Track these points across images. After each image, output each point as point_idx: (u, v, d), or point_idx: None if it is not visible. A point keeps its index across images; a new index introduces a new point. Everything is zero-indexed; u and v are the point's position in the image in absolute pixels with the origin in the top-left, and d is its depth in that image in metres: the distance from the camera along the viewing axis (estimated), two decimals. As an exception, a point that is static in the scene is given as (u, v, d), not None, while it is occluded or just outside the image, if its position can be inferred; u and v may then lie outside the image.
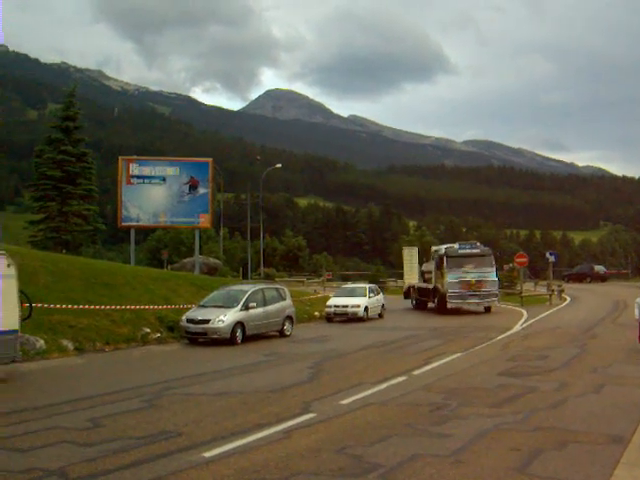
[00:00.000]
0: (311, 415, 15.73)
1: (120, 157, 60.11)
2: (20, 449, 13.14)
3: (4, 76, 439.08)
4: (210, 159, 60.18)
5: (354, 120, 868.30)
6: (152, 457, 12.50)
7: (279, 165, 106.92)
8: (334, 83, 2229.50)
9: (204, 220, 57.37)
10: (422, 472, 11.41)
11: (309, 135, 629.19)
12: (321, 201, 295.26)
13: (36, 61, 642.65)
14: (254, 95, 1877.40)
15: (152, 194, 56.27)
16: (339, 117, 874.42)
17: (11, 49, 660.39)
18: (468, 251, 48.46)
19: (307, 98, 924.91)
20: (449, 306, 47.45)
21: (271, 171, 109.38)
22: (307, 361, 24.74)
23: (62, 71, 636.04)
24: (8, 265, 20.97)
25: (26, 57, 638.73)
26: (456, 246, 49.65)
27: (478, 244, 50.69)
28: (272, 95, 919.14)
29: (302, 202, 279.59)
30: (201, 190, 56.29)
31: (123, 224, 57.73)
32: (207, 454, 12.57)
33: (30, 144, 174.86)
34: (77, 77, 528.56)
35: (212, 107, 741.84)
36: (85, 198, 67.72)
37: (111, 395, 18.35)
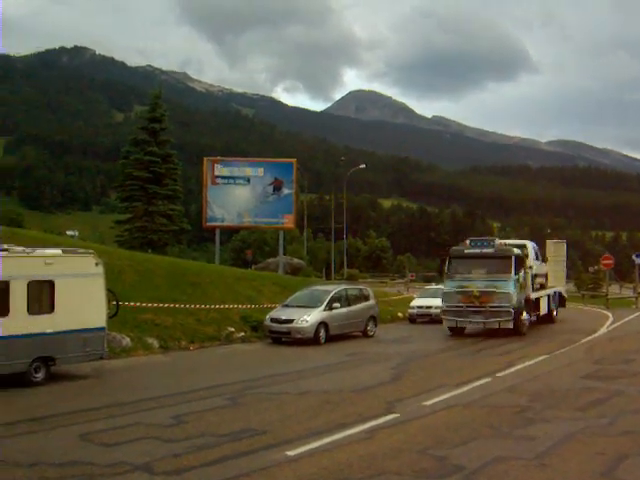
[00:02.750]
0: (394, 415, 15.70)
1: (205, 158, 60.74)
2: (106, 444, 13.36)
3: (91, 79, 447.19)
4: (294, 160, 60.45)
5: (437, 120, 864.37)
6: (236, 454, 12.58)
7: (363, 166, 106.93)
8: (416, 82, 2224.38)
9: (288, 220, 57.64)
10: (505, 475, 11.32)
11: (392, 136, 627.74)
12: (404, 202, 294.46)
13: (122, 64, 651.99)
14: (337, 95, 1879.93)
15: (236, 194, 56.72)
16: (422, 117, 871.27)
17: (98, 52, 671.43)
18: (477, 251, 34.55)
19: (390, 99, 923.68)
20: (445, 325, 34.99)
21: (355, 172, 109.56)
22: (390, 361, 24.67)
23: (147, 73, 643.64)
24: (96, 264, 21.37)
25: (112, 60, 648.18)
26: (467, 243, 35.75)
27: (497, 241, 35.52)
28: (355, 96, 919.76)
29: (386, 203, 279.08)
30: (285, 191, 56.56)
31: (208, 224, 58.31)
32: (291, 452, 12.61)
33: (116, 146, 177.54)
34: (162, 79, 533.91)
35: (295, 108, 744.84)
36: (170, 198, 68.33)
37: (195, 393, 18.53)
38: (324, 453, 12.64)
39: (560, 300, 43.23)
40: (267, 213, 56.98)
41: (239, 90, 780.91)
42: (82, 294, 20.78)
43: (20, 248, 20.60)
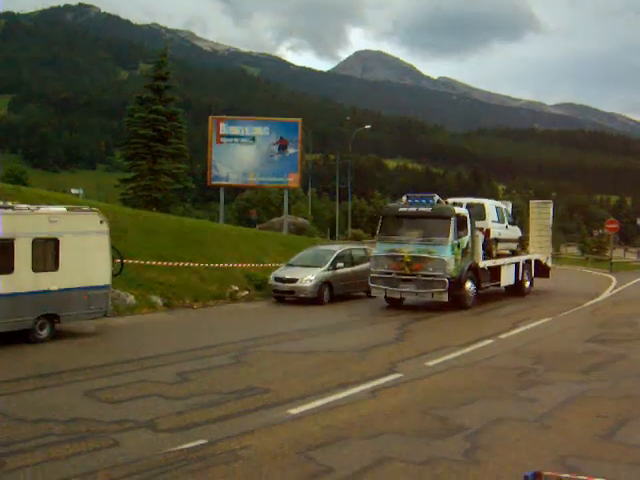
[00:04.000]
0: (397, 375, 15.80)
1: (210, 117, 60.55)
2: (111, 401, 13.47)
3: (97, 37, 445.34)
4: (299, 119, 60.25)
5: (444, 82, 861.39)
6: (239, 412, 12.70)
7: (368, 126, 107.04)
8: (423, 42, 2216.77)
9: (293, 180, 57.53)
10: (507, 436, 11.40)
11: (399, 97, 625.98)
12: (410, 163, 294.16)
13: (127, 22, 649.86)
14: (343, 54, 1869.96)
15: (242, 153, 56.59)
16: (429, 78, 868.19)
17: (103, 10, 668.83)
18: (413, 209, 29.04)
19: (397, 60, 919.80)
20: (373, 293, 30.12)
21: (360, 132, 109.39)
22: (393, 322, 24.78)
23: (153, 32, 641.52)
24: (101, 222, 21.39)
25: (118, 19, 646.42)
26: (404, 200, 30.16)
27: (436, 198, 29.35)
28: (362, 56, 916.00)
29: (391, 164, 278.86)
30: (290, 150, 56.42)
31: (213, 183, 58.22)
32: (293, 411, 12.72)
33: (121, 104, 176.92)
34: (167, 38, 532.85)
35: (301, 68, 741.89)
36: (175, 157, 68.08)
37: (199, 350, 18.63)
38: (327, 412, 12.73)
39: (540, 269, 37.41)
40: (272, 172, 56.84)
41: (245, 49, 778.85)
42: (86, 252, 20.83)
43: (24, 206, 20.66)
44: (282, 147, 56.18)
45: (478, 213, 31.33)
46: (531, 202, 41.39)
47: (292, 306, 29.59)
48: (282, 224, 60.78)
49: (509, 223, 34.45)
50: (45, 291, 19.70)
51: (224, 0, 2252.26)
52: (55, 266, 20.09)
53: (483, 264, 30.13)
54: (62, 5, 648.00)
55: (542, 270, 37.68)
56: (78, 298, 20.55)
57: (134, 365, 16.80)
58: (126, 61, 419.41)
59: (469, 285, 28.87)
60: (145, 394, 14.02)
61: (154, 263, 29.27)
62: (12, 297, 18.81)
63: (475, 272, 29.45)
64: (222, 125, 57.43)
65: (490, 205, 33.45)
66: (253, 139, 56.49)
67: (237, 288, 31.22)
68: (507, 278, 32.84)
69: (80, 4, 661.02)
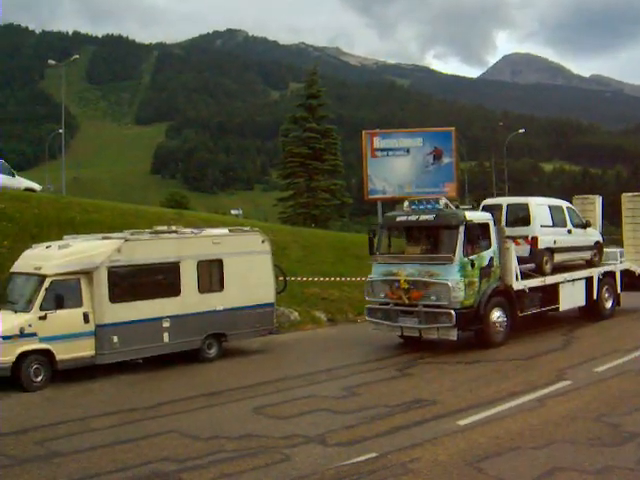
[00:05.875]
0: (565, 383, 15.54)
1: (363, 131, 60.75)
2: (280, 416, 13.69)
3: (246, 61, 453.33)
4: (453, 128, 59.90)
5: (596, 79, 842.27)
6: (408, 424, 12.72)
7: (522, 130, 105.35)
8: (570, 41, 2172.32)
9: (450, 189, 57.01)
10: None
11: (550, 98, 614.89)
12: (567, 165, 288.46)
13: (275, 43, 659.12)
14: (490, 59, 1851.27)
15: (397, 166, 56.49)
16: (580, 77, 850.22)
17: (251, 34, 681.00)
18: (413, 218, 22.11)
19: (546, 60, 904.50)
20: (372, 330, 22.85)
21: (514, 137, 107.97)
22: (559, 328, 24.19)
23: (300, 51, 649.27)
24: (262, 241, 21.80)
25: (265, 40, 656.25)
26: (405, 206, 23.23)
27: (443, 201, 22.11)
28: (510, 59, 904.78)
29: (547, 167, 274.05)
30: (445, 160, 56.00)
31: (370, 197, 58.31)
32: (462, 422, 12.67)
33: (274, 124, 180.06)
34: (315, 55, 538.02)
35: (449, 76, 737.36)
36: (331, 173, 68.76)
37: (365, 364, 18.74)
38: (495, 422, 12.64)
39: (631, 282, 28.19)
40: (428, 183, 56.49)
41: (392, 61, 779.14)
42: (250, 271, 21.24)
43: (188, 230, 21.23)
44: (437, 157, 55.85)
45: (519, 216, 24.53)
46: (624, 195, 31.59)
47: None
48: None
49: (577, 226, 26.00)
50: (212, 311, 20.18)
51: (367, 14, 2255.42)
52: (220, 286, 20.57)
53: (521, 285, 22.34)
54: (211, 32, 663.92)
55: (635, 282, 28.37)
56: (244, 317, 20.95)
57: (301, 380, 17.00)
58: (276, 82, 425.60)
59: (496, 315, 21.35)
60: (314, 409, 14.17)
61: (316, 279, 29.54)
62: (180, 318, 19.32)
63: (507, 296, 21.93)
64: (375, 139, 57.47)
65: (538, 205, 25.10)
66: (407, 151, 56.32)
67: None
68: (570, 298, 24.74)
69: (228, 29, 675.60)
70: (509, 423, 12.58)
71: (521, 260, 22.66)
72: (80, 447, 12.26)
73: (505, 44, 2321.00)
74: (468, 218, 20.95)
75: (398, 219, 22.69)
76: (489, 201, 26.12)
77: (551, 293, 23.77)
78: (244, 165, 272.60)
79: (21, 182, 34.56)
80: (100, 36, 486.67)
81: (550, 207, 25.40)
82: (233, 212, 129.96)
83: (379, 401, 14.61)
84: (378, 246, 22.83)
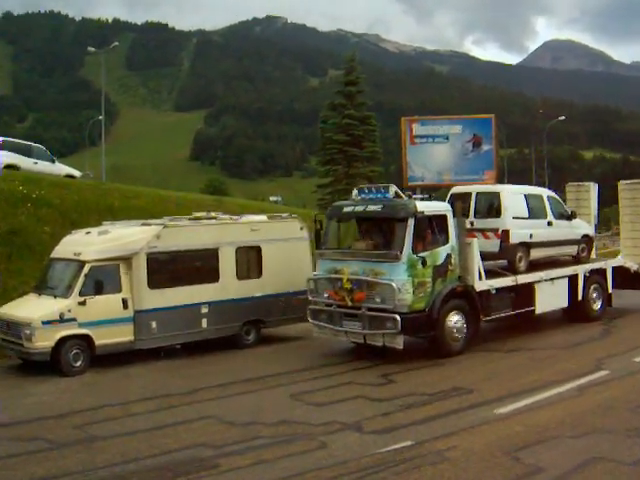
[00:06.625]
0: (604, 372, 15.43)
1: (403, 118, 60.33)
2: (319, 403, 13.71)
3: (285, 47, 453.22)
4: (492, 115, 59.38)
5: (636, 66, 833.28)
6: (444, 413, 12.72)
7: (562, 117, 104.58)
8: (610, 27, 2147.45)
9: (489, 177, 56.47)
10: None
11: (591, 85, 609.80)
12: (607, 152, 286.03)
13: (314, 30, 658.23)
14: (530, 45, 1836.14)
15: (436, 153, 56.06)
16: (620, 64, 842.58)
17: (290, 20, 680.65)
18: (360, 208, 19.56)
19: (586, 47, 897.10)
20: (315, 334, 19.92)
21: (554, 124, 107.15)
22: (599, 318, 23.80)
23: (339, 37, 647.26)
24: (301, 228, 21.79)
25: (304, 27, 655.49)
26: (354, 194, 20.47)
27: (392, 189, 19.59)
28: (550, 46, 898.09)
29: (587, 154, 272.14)
30: (485, 147, 55.39)
31: (409, 184, 58.21)
32: (499, 411, 12.65)
33: (313, 111, 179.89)
34: (354, 42, 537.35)
35: (489, 62, 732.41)
36: (370, 160, 68.50)
37: (403, 351, 18.56)
38: (533, 411, 12.61)
39: (624, 280, 25.14)
40: (467, 170, 55.93)
41: (430, 48, 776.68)
42: (288, 258, 21.30)
43: (227, 216, 21.25)
44: (476, 144, 55.37)
45: (489, 207, 21.96)
46: (620, 183, 28.37)
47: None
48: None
49: (561, 217, 23.32)
50: (250, 298, 20.23)
51: (404, 1, 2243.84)
52: (258, 273, 20.66)
53: (485, 285, 19.77)
54: (250, 19, 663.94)
55: (630, 280, 25.38)
56: (282, 303, 21.03)
57: (339, 368, 17.02)
58: (315, 68, 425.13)
59: (454, 320, 18.63)
60: (351, 396, 14.18)
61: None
62: (218, 304, 19.39)
63: (468, 299, 19.28)
64: (414, 126, 57.00)
65: (511, 194, 22.43)
66: (447, 138, 55.89)
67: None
68: (549, 299, 21.95)
69: (268, 16, 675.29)
70: (547, 412, 12.54)
71: (491, 257, 20.66)
72: (119, 432, 12.38)
73: (545, 30, 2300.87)
74: (419, 209, 18.31)
75: (345, 209, 20.05)
76: (458, 189, 23.40)
77: (526, 294, 21.15)
78: (283, 152, 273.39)
79: (61, 168, 34.81)
80: (139, 23, 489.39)
81: (527, 196, 22.68)
82: (272, 199, 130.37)
83: (416, 389, 14.59)
84: (325, 239, 20.12)
